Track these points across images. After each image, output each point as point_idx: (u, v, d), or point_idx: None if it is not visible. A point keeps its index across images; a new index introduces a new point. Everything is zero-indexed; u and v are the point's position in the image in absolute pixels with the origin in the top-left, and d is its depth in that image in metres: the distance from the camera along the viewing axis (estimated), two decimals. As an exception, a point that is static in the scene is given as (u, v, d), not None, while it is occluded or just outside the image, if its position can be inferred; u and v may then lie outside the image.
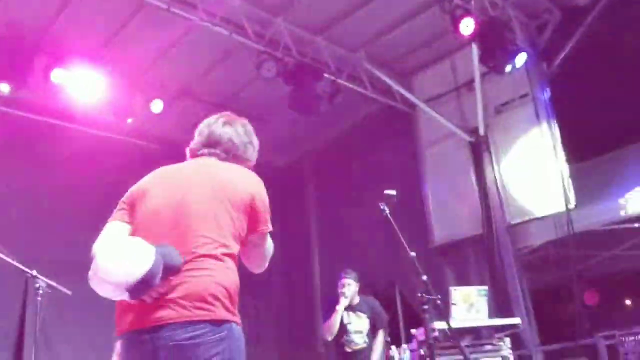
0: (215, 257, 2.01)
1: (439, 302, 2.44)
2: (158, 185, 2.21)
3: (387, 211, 2.71)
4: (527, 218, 7.04)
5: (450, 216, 7.65)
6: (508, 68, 6.39)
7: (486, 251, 7.11)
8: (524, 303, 6.72)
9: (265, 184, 2.20)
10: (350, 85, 7.55)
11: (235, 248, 2.10)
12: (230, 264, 2.07)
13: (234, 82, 7.76)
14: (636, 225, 7.04)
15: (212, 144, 2.31)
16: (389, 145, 8.29)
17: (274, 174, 7.19)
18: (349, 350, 5.02)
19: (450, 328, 2.77)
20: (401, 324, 7.74)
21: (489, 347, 4.66)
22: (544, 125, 6.92)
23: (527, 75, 7.15)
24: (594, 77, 6.74)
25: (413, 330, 4.62)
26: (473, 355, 4.50)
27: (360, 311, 5.15)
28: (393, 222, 2.63)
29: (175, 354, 1.89)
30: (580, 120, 6.99)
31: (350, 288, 5.08)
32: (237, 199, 2.13)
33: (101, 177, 6.84)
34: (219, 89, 7.84)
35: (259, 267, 2.34)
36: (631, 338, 5.20)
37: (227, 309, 1.98)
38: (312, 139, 9.24)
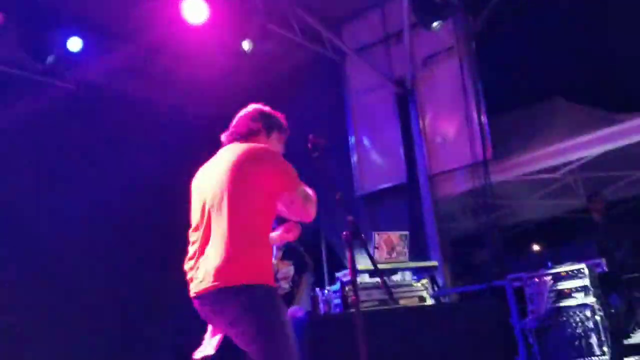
0: None
1: (364, 239, 2.52)
2: None
3: (317, 154, 2.72)
4: (448, 168, 7.33)
5: (375, 166, 7.84)
6: (436, 23, 6.49)
7: (408, 200, 7.38)
8: (442, 248, 7.08)
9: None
10: (280, 31, 7.42)
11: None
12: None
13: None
14: (546, 176, 7.50)
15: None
16: (317, 94, 8.29)
17: (200, 122, 7.04)
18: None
19: (375, 269, 2.86)
20: (325, 269, 7.96)
21: (407, 287, 4.89)
22: (469, 77, 7.13)
23: (454, 28, 7.32)
24: (516, 33, 7.00)
25: (338, 274, 4.76)
26: (394, 297, 4.72)
27: (286, 257, 5.23)
28: (322, 164, 2.65)
29: None
30: (502, 74, 7.28)
31: None
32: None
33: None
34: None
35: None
36: (536, 280, 5.58)
37: None
38: (239, 84, 9.05)
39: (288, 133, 2.97)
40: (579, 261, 5.42)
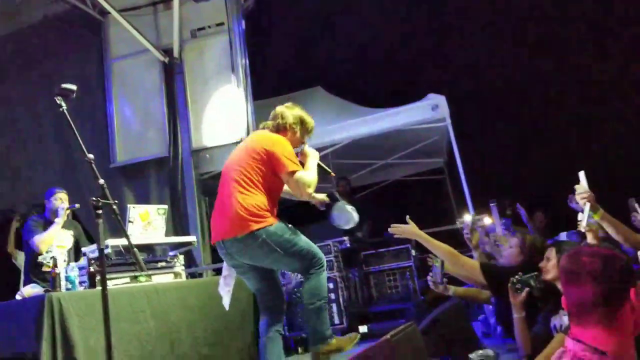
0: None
1: (115, 207, 2.32)
2: None
3: (64, 107, 2.42)
4: (211, 145, 7.30)
5: (135, 136, 7.43)
6: None
7: (169, 174, 7.17)
8: (202, 225, 7.03)
9: None
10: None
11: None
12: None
13: None
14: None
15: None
16: (73, 54, 7.55)
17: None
18: (47, 269, 4.75)
19: (128, 244, 2.67)
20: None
21: (162, 263, 4.74)
22: (237, 56, 7.15)
23: (224, 4, 7.27)
24: (286, 19, 7.25)
25: (85, 248, 4.39)
26: (147, 272, 4.53)
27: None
28: (70, 121, 2.37)
29: None
30: (269, 58, 7.49)
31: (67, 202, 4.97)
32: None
33: None
34: None
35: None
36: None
37: None
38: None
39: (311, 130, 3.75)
40: (327, 239, 5.89)
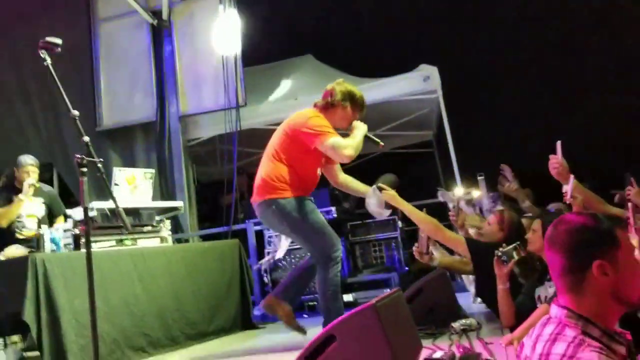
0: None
1: (100, 165, 2.28)
2: None
3: (49, 61, 2.36)
4: (200, 111, 7.22)
5: (122, 100, 7.31)
6: None
7: (156, 139, 7.10)
8: (188, 191, 7.00)
9: None
10: None
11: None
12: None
13: None
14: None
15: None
16: (60, 15, 7.36)
17: None
18: (20, 236, 4.76)
19: (115, 206, 2.64)
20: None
21: (149, 228, 4.72)
22: (228, 20, 7.01)
23: (216, -34, 7.10)
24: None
25: (69, 210, 4.36)
26: (133, 236, 4.52)
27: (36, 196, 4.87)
28: (55, 75, 2.31)
29: None
30: (260, 24, 7.35)
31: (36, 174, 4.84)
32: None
33: None
34: None
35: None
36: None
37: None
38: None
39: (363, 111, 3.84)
40: (314, 208, 5.87)
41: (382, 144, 3.78)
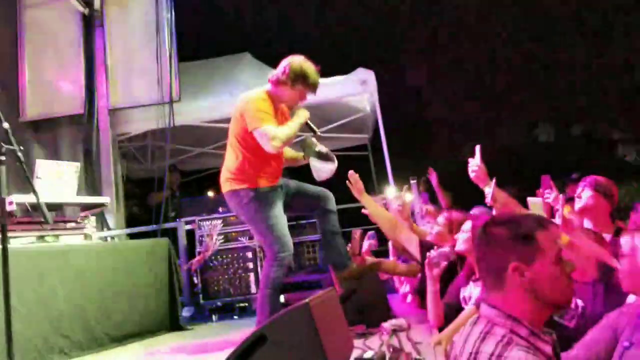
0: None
1: (20, 154, 2.13)
2: None
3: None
4: (131, 105, 6.96)
5: (48, 90, 6.93)
6: None
7: (84, 132, 6.79)
8: (116, 187, 6.74)
9: None
10: None
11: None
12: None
13: None
14: (225, 125, 7.73)
15: None
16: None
17: None
18: None
19: (37, 201, 2.48)
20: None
21: (72, 224, 4.50)
22: (163, 13, 6.82)
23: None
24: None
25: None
26: (55, 232, 4.30)
27: None
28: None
29: None
30: (196, 19, 7.20)
31: None
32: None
33: None
34: None
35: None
36: (208, 223, 5.80)
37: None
38: None
39: (313, 88, 3.63)
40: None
41: (318, 132, 3.74)
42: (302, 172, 4.11)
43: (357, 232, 4.06)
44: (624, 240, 2.05)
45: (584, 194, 3.34)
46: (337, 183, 4.03)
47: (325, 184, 3.89)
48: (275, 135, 3.38)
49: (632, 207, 4.52)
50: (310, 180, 3.91)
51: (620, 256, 2.04)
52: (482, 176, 3.11)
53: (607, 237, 3.18)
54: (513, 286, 1.51)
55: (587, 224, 3.33)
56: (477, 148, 3.15)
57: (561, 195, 3.14)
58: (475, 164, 3.10)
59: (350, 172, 3.96)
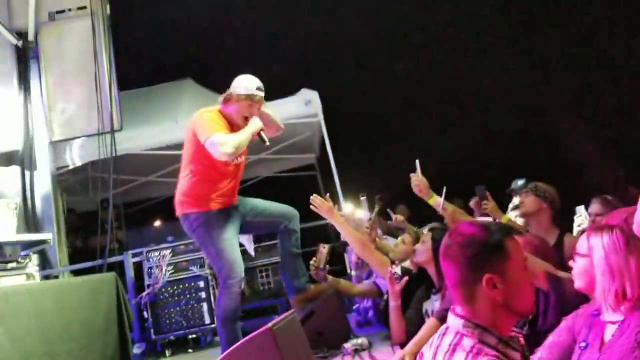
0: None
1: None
2: None
3: None
4: (70, 136, 6.74)
5: (-19, 126, 6.64)
6: None
7: (22, 167, 6.51)
8: (57, 223, 6.48)
9: None
10: None
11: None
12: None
13: None
14: (174, 152, 7.60)
15: None
16: None
17: None
18: None
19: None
20: None
21: (12, 264, 4.28)
22: (101, 42, 6.67)
23: (87, -14, 6.75)
24: (155, 6, 6.90)
25: None
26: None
27: None
28: None
29: None
30: (138, 45, 7.08)
31: None
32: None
33: None
34: None
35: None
36: (156, 253, 5.63)
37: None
38: None
39: (257, 98, 3.61)
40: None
41: (267, 143, 3.70)
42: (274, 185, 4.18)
43: (324, 247, 4.03)
44: (581, 241, 2.10)
45: (526, 199, 3.43)
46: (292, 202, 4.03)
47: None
48: (225, 141, 3.34)
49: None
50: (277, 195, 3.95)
51: (576, 254, 2.09)
52: (425, 189, 3.18)
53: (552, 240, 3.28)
54: (484, 297, 1.50)
55: (531, 229, 3.41)
56: (417, 163, 3.22)
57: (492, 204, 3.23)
58: (417, 179, 3.16)
59: (313, 196, 3.93)
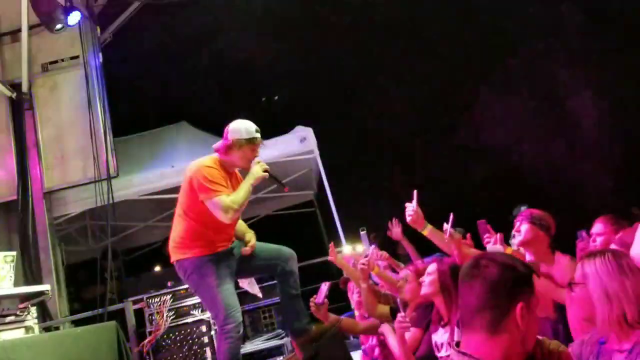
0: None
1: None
2: None
3: None
4: (67, 185, 6.74)
5: (-23, 178, 6.65)
6: (59, 26, 6.09)
7: (19, 218, 6.49)
8: (56, 273, 6.42)
9: None
10: None
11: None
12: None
13: None
14: (171, 196, 7.59)
15: None
16: None
17: None
18: None
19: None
20: None
21: (11, 317, 4.22)
22: (95, 91, 6.74)
23: (79, 37, 6.83)
24: (147, 52, 6.99)
25: None
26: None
27: None
28: None
29: None
30: (131, 91, 7.15)
31: None
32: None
33: None
34: None
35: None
36: (156, 300, 5.55)
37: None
38: None
39: (258, 141, 3.58)
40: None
41: (287, 187, 3.77)
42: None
43: (326, 284, 3.96)
44: (577, 269, 2.08)
45: (522, 228, 3.41)
46: (284, 243, 4.00)
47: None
48: (228, 206, 3.34)
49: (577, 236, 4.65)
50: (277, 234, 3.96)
51: (574, 284, 2.07)
52: (419, 220, 3.18)
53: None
54: (510, 326, 1.46)
55: (528, 257, 3.38)
56: (414, 193, 3.21)
57: (498, 235, 3.21)
58: (411, 209, 3.16)
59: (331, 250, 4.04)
